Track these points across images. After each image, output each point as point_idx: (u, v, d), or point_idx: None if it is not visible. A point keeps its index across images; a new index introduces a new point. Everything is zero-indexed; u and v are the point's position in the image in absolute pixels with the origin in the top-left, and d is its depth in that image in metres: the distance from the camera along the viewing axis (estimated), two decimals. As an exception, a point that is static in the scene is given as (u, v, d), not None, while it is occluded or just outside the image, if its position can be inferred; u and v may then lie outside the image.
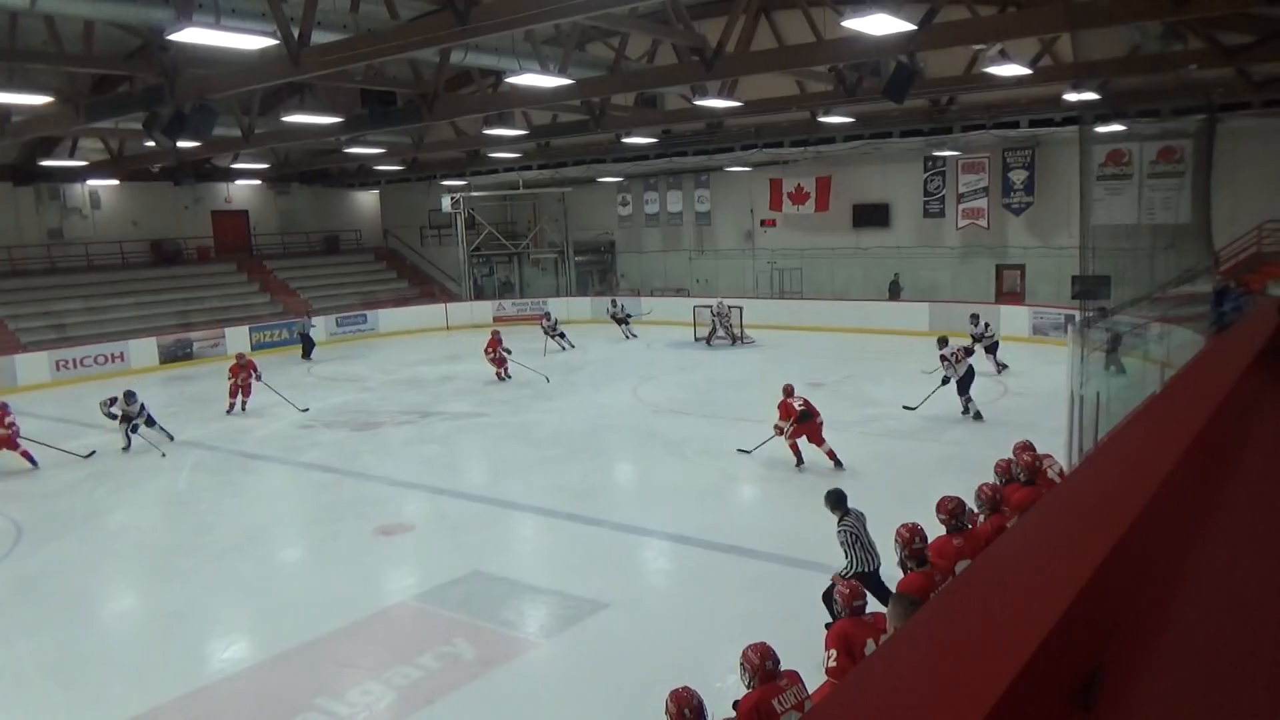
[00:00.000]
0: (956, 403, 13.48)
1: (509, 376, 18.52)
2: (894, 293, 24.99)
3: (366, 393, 18.62)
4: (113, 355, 22.67)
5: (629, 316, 25.13)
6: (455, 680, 6.60)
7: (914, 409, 13.67)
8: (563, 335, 22.73)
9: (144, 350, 23.20)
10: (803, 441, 11.39)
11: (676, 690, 4.03)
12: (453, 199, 30.30)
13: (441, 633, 7.38)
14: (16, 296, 24.34)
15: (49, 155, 23.68)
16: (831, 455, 11.23)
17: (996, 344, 17.08)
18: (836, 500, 6.82)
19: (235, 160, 26.14)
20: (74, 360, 22.04)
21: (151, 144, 20.02)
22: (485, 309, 29.60)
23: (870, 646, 4.42)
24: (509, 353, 18.73)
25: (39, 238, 26.30)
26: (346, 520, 10.48)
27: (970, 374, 13.42)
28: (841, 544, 6.58)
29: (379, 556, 9.43)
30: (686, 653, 6.63)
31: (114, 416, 13.74)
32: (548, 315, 23.70)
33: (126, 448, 13.68)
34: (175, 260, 28.62)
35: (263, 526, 10.70)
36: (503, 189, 30.72)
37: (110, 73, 15.13)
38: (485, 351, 18.78)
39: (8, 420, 13.02)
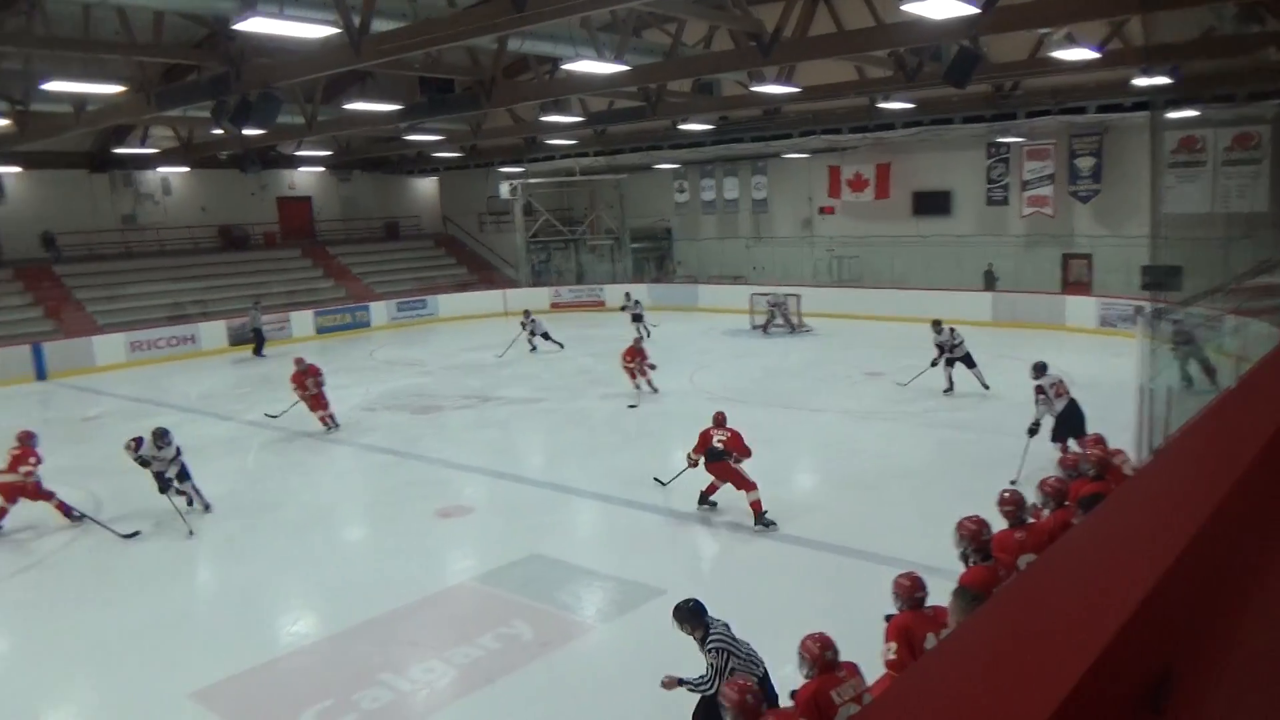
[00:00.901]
0: (1022, 388, 11.75)
1: (654, 389, 15.88)
2: (989, 283, 24.19)
3: (426, 377, 18.95)
4: (184, 338, 23.43)
5: (642, 314, 22.85)
6: (515, 661, 6.73)
7: (1015, 482, 9.24)
8: (546, 336, 21.27)
9: (214, 333, 23.92)
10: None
11: (734, 679, 4.07)
12: (510, 186, 30.58)
13: (501, 614, 7.52)
14: (94, 280, 25.24)
15: (122, 143, 24.44)
16: (755, 509, 9.11)
17: (969, 355, 14.42)
18: (691, 613, 5.12)
19: (299, 147, 26.69)
20: (148, 342, 22.84)
21: (219, 131, 20.60)
22: (543, 295, 29.86)
23: (931, 640, 4.41)
24: (653, 367, 16.15)
25: (114, 223, 27.21)
26: (408, 501, 10.72)
27: (1075, 413, 10.08)
28: (710, 664, 5.00)
29: (440, 538, 9.63)
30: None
31: (145, 463, 10.27)
32: (527, 313, 22.19)
33: (190, 501, 10.54)
34: (242, 245, 29.37)
35: (328, 506, 11.01)
36: (559, 176, 30.88)
37: (179, 62, 15.59)
38: (624, 358, 16.02)
39: (25, 468, 9.99)
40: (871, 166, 26.38)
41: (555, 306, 29.36)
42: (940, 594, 4.76)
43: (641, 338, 22.01)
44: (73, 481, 11.42)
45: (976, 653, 1.43)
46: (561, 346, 21.11)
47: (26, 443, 10.16)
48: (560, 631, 7.22)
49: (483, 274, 32.63)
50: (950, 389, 14.63)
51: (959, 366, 14.51)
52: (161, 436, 10.27)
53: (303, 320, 25.89)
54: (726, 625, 5.18)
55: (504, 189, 30.81)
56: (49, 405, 18.50)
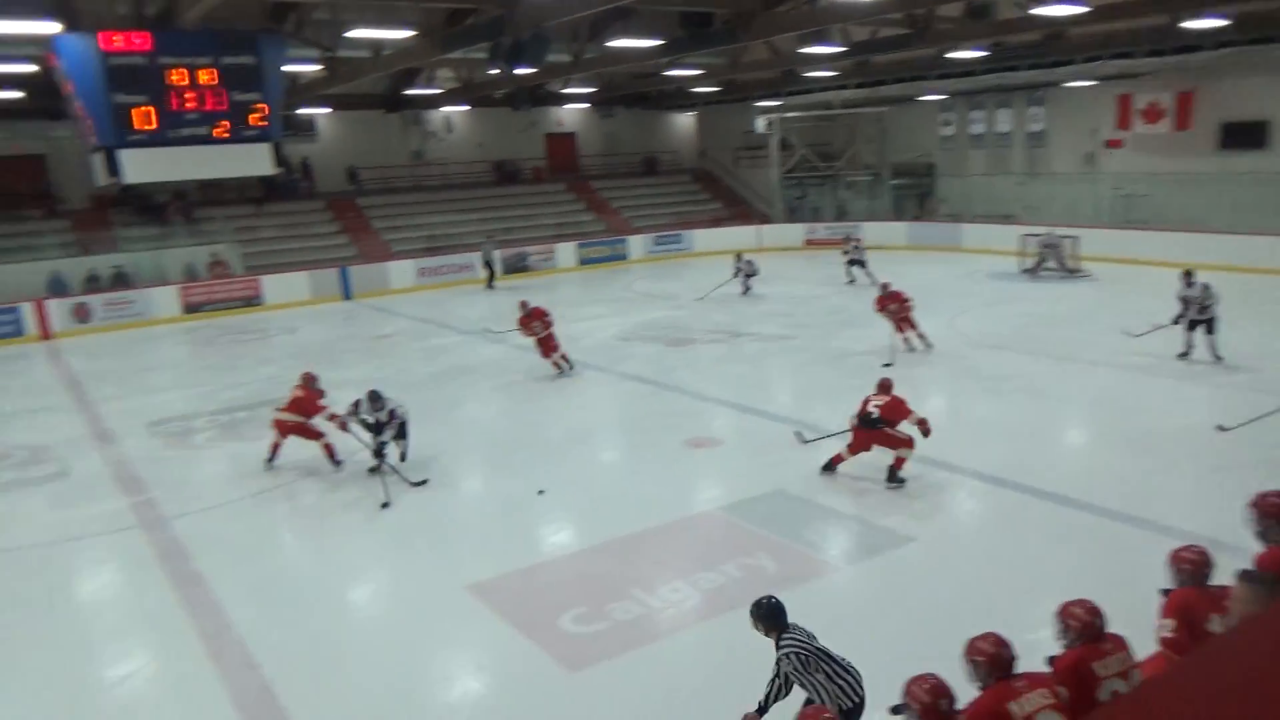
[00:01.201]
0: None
1: (927, 344, 14.43)
2: None
3: (680, 310, 19.44)
4: (464, 265, 25.49)
5: (864, 260, 21.41)
6: (757, 591, 6.77)
7: None
8: (750, 278, 20.69)
9: (487, 261, 25.80)
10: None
11: (991, 634, 3.95)
12: (767, 120, 30.23)
13: (745, 545, 7.73)
14: (388, 210, 27.98)
15: (411, 85, 26.57)
16: (898, 464, 8.81)
17: (1213, 320, 12.52)
18: (768, 612, 4.62)
19: (566, 85, 27.77)
20: (433, 269, 25.11)
21: (495, 71, 21.86)
22: (797, 232, 29.52)
23: (1215, 623, 4.06)
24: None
25: (404, 159, 29.91)
26: (659, 430, 11.18)
27: None
28: (789, 671, 4.46)
29: (688, 466, 9.99)
30: (993, 598, 6.47)
31: (369, 425, 9.76)
32: (740, 255, 21.18)
33: (375, 468, 9.75)
34: (513, 180, 31.26)
35: (586, 428, 11.72)
36: (818, 109, 30.11)
37: (460, 6, 16.66)
38: (877, 305, 14.55)
39: (318, 416, 10.14)
40: (1170, 94, 23.50)
41: (810, 244, 28.96)
42: (1224, 571, 4.36)
43: (854, 281, 21.19)
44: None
45: (1277, 646, 1.31)
46: (747, 292, 20.63)
47: (310, 385, 10.26)
48: (803, 568, 7.32)
49: (737, 209, 32.71)
50: (1187, 354, 12.78)
51: (1199, 330, 12.60)
52: (376, 399, 9.77)
53: (566, 252, 27.36)
54: (811, 635, 4.58)
55: (760, 123, 30.52)
56: (352, 322, 20.90)
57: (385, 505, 9.09)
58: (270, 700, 5.85)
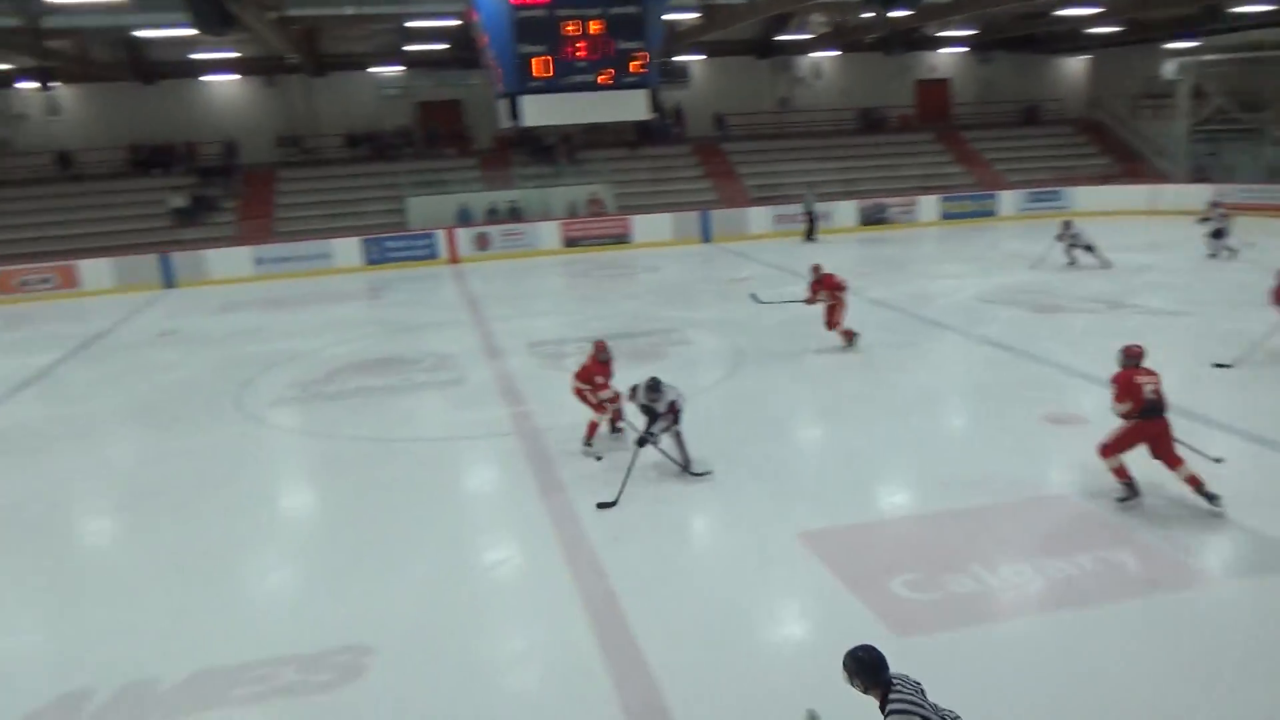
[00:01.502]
0: None
1: None
2: None
3: (1050, 274, 17.91)
4: (819, 215, 25.41)
5: (1225, 230, 18.47)
6: (1114, 591, 6.32)
7: None
8: (1089, 249, 18.12)
9: (844, 212, 25.52)
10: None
11: None
12: (1178, 64, 26.47)
13: (1102, 537, 7.08)
14: (752, 157, 28.52)
15: (782, 30, 26.62)
16: (1193, 483, 7.31)
17: None
18: (869, 666, 3.79)
19: (943, 28, 26.29)
20: (787, 216, 25.33)
21: (869, 15, 21.21)
22: (1202, 194, 25.72)
23: None
24: None
25: (771, 105, 30.20)
26: (1015, 400, 10.50)
27: None
28: None
29: (1043, 443, 9.29)
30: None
31: (650, 412, 8.59)
32: (1067, 224, 18.45)
33: (617, 430, 9.70)
34: (879, 128, 30.36)
35: (936, 391, 11.32)
36: (1244, 51, 25.74)
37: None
38: (1278, 299, 11.70)
39: (603, 394, 9.39)
40: None
41: (1216, 206, 25.15)
42: None
43: (1215, 255, 18.19)
44: (721, 332, 13.40)
45: None
46: (1108, 265, 18.02)
47: (597, 355, 9.50)
48: (1174, 575, 6.55)
49: (1128, 166, 29.21)
50: None
51: None
52: (655, 388, 8.59)
53: (928, 205, 26.25)
54: (919, 686, 3.84)
55: (1169, 68, 26.80)
56: (709, 264, 21.78)
57: (608, 504, 8.13)
58: (613, 605, 6.42)
